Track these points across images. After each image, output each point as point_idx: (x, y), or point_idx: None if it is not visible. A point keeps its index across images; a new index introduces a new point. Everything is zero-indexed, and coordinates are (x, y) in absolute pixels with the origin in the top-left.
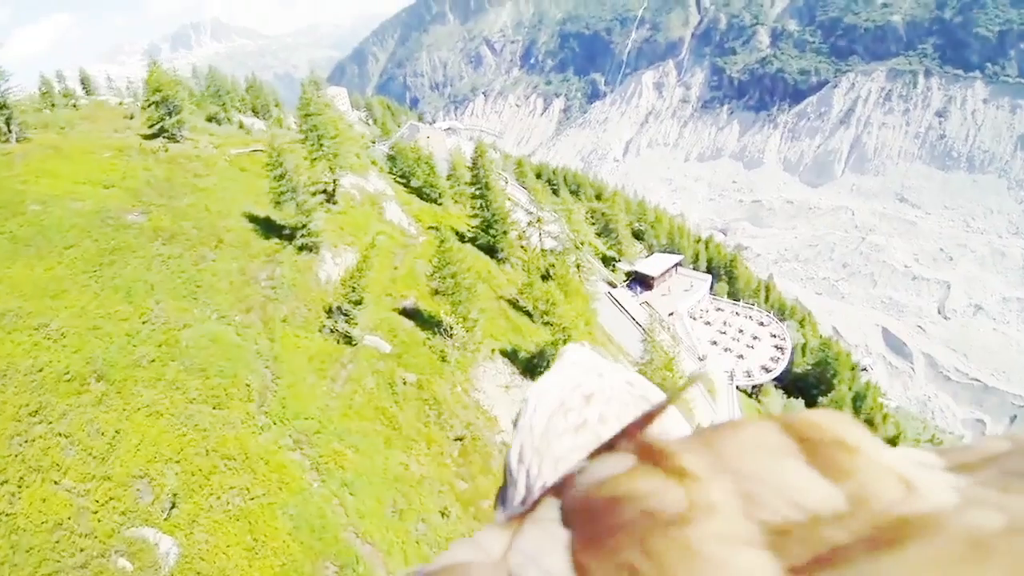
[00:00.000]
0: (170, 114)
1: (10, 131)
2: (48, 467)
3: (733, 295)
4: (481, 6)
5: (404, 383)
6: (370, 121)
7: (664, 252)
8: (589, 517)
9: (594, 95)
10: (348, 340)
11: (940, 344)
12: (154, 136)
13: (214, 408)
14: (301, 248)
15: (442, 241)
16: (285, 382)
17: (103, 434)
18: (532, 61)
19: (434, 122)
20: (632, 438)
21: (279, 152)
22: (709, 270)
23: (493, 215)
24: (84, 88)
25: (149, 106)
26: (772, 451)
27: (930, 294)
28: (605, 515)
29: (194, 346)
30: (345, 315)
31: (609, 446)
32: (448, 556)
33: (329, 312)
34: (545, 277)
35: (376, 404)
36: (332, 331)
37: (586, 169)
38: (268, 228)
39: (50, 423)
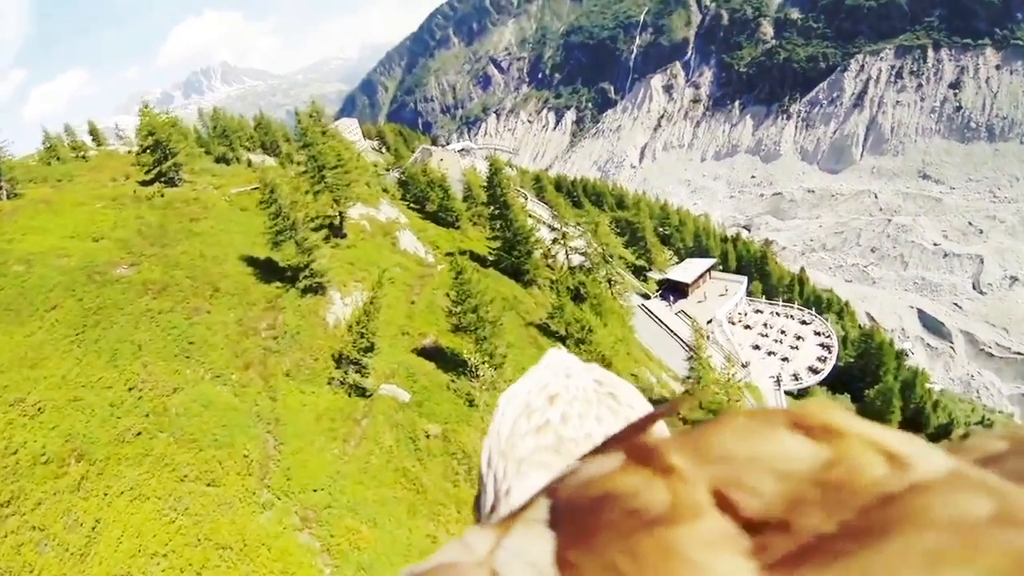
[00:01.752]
0: (166, 157)
1: (0, 187)
2: (20, 570)
3: (767, 293)
4: (484, 26)
5: (427, 436)
6: (383, 149)
7: (692, 255)
8: (575, 516)
9: (605, 104)
10: (361, 392)
11: (979, 320)
12: (152, 182)
13: (208, 486)
14: (305, 291)
15: (459, 272)
16: (289, 448)
17: (82, 525)
18: (540, 76)
19: (447, 144)
20: (623, 439)
21: (272, 187)
22: (739, 269)
23: (515, 235)
24: (94, 139)
25: (144, 151)
26: (758, 433)
27: (963, 270)
28: (591, 514)
29: (185, 413)
30: (355, 364)
31: (601, 448)
32: (437, 557)
33: (338, 361)
34: (576, 297)
35: (396, 464)
36: (342, 383)
37: (604, 178)
38: (268, 271)
39: (23, 515)
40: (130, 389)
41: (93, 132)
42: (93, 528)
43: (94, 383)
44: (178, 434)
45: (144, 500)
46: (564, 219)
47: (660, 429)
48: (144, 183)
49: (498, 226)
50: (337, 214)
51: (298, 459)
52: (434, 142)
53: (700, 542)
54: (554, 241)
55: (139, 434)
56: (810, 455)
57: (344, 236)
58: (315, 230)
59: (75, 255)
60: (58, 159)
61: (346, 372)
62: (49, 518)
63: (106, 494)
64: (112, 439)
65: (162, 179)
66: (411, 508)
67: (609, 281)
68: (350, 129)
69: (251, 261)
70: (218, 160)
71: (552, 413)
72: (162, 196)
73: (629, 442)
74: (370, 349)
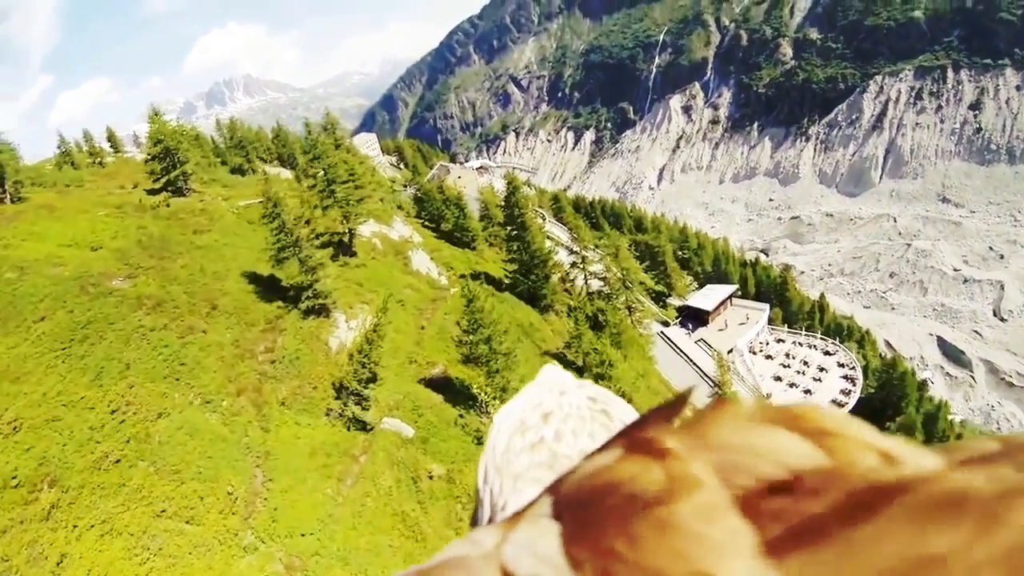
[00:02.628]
0: (174, 166)
1: (4, 190)
2: None
3: (787, 319)
4: (504, 44)
5: (430, 477)
6: (401, 165)
7: (711, 280)
8: (578, 508)
9: (624, 124)
10: (361, 426)
11: (1000, 349)
12: (160, 191)
13: (186, 523)
14: (307, 312)
15: (471, 300)
16: (278, 485)
17: (47, 559)
18: (559, 95)
19: (466, 162)
20: (622, 436)
21: (275, 201)
22: (759, 295)
23: (532, 258)
24: (112, 146)
25: (152, 159)
26: (754, 424)
27: (983, 296)
28: (592, 504)
29: (169, 441)
30: (356, 396)
31: (602, 447)
32: (444, 552)
33: (338, 391)
34: (595, 325)
35: (394, 508)
36: (341, 415)
37: (622, 199)
38: (271, 289)
39: None
40: (113, 411)
41: (111, 138)
42: (58, 564)
43: (76, 403)
44: (159, 464)
45: (116, 536)
46: (584, 242)
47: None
48: (151, 192)
49: (515, 248)
50: (346, 231)
51: (287, 498)
52: (453, 159)
53: (697, 513)
54: (573, 265)
55: (118, 461)
56: (804, 450)
57: (354, 254)
58: (323, 247)
59: (70, 264)
60: (72, 164)
61: (345, 403)
62: (13, 548)
63: (76, 526)
64: (88, 465)
65: (169, 188)
66: (408, 558)
67: (629, 308)
68: (368, 144)
69: (253, 278)
70: (233, 171)
71: (546, 430)
72: (168, 206)
73: (627, 437)
74: (372, 380)
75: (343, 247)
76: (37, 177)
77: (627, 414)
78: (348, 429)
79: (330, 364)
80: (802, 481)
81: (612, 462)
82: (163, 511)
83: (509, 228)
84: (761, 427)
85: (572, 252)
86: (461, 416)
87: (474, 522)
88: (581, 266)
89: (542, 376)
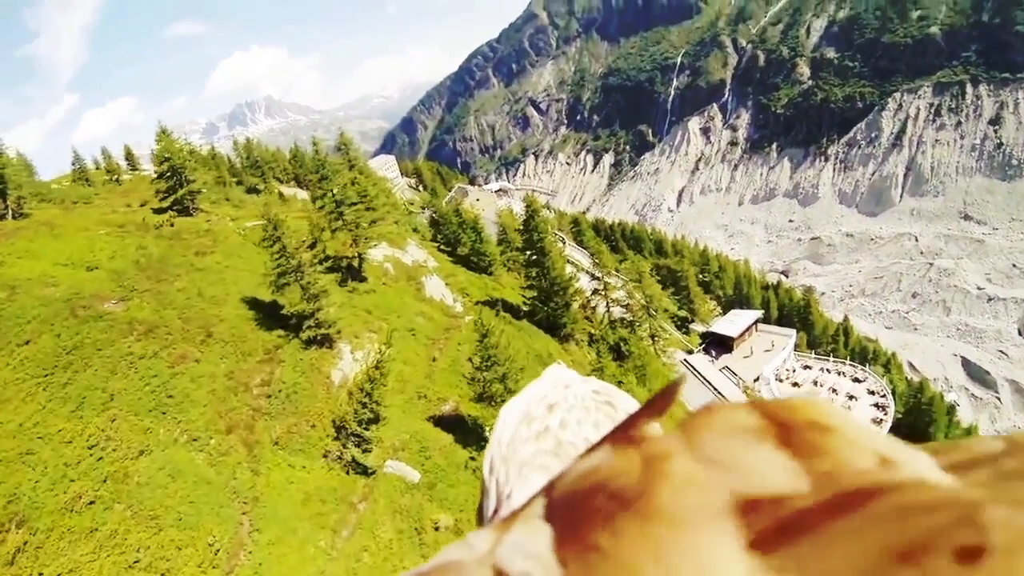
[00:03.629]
0: (181, 185)
1: (5, 205)
2: None
3: (811, 343)
4: (523, 68)
5: (436, 527)
6: (419, 187)
7: (732, 303)
8: (568, 509)
9: (643, 147)
10: (362, 469)
11: None
12: (167, 210)
13: None
14: (309, 342)
15: (484, 334)
16: (265, 536)
17: None
18: (578, 118)
19: (485, 184)
20: (611, 435)
21: (275, 223)
22: (781, 318)
23: (552, 284)
24: (129, 164)
25: (159, 178)
26: (743, 434)
27: (1008, 315)
28: (581, 505)
29: (148, 483)
30: (356, 437)
31: (593, 447)
32: (439, 557)
33: (338, 430)
34: (617, 355)
35: (394, 563)
36: (339, 458)
37: (641, 222)
38: (271, 317)
39: None
40: (91, 447)
41: (129, 156)
42: None
43: (52, 435)
44: (136, 508)
45: None
46: (606, 268)
47: (654, 429)
48: (158, 211)
49: (534, 274)
50: (356, 255)
51: (274, 552)
52: (472, 182)
53: (677, 502)
54: (594, 292)
55: (92, 503)
56: (788, 471)
57: (363, 279)
58: (332, 271)
59: (63, 285)
60: (87, 181)
61: (344, 445)
62: None
63: (41, 574)
64: (60, 506)
65: (175, 207)
66: None
67: (652, 336)
68: (387, 165)
69: (253, 304)
70: (249, 191)
71: (552, 420)
72: (171, 225)
73: (615, 434)
74: (374, 421)
75: (352, 272)
76: (47, 193)
77: (631, 406)
78: (347, 473)
79: (331, 399)
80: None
81: (599, 460)
82: (136, 561)
83: (528, 253)
84: (747, 435)
85: (594, 277)
86: (472, 459)
87: (480, 513)
88: (603, 292)
89: (547, 373)
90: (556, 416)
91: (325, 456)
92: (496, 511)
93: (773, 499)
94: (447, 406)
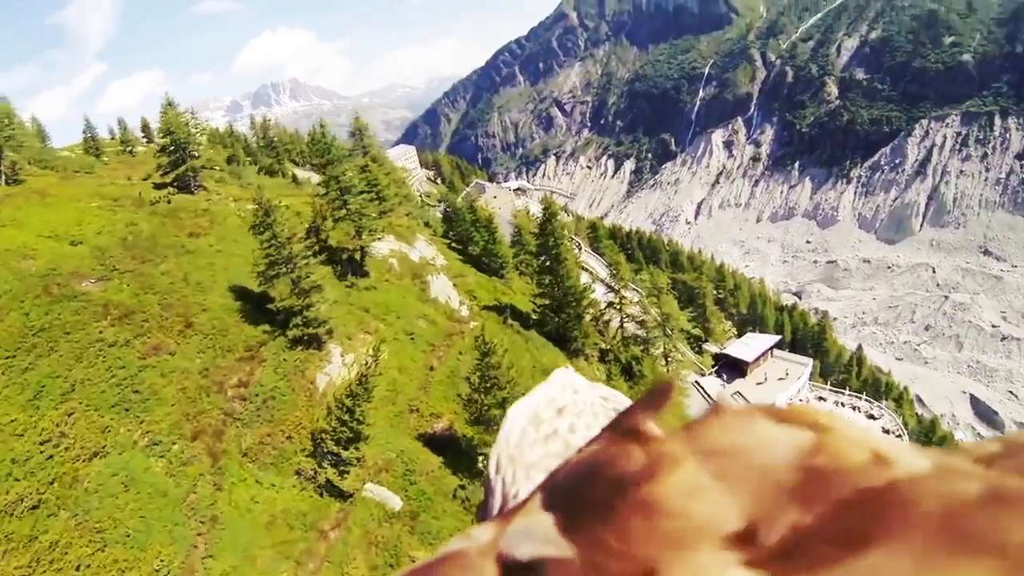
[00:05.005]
0: (183, 160)
1: (0, 170)
2: None
3: (824, 371)
4: (550, 68)
5: (414, 563)
6: (438, 179)
7: (745, 322)
8: (567, 499)
9: (665, 155)
10: (337, 492)
11: None
12: (168, 185)
13: None
14: (295, 342)
15: (485, 353)
16: (220, 564)
17: None
18: (602, 122)
19: (504, 181)
20: (610, 427)
21: (267, 208)
22: (794, 343)
23: (565, 294)
24: (145, 136)
25: (161, 152)
26: (743, 426)
27: (1021, 355)
28: (579, 494)
29: (99, 490)
30: (334, 457)
31: (592, 440)
32: (443, 549)
33: (317, 445)
34: (628, 374)
35: None
36: (313, 477)
37: (658, 231)
38: (259, 310)
39: None
40: (43, 443)
41: (145, 128)
42: None
43: (3, 426)
44: (83, 517)
45: None
46: (624, 280)
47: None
48: (159, 186)
49: (547, 282)
50: (358, 248)
51: None
52: (491, 179)
53: (678, 492)
54: (609, 305)
55: (35, 507)
56: (793, 442)
57: (365, 274)
58: (331, 263)
59: (42, 259)
60: (97, 150)
61: (320, 464)
62: None
63: None
64: (0, 508)
65: (175, 184)
66: None
67: (666, 356)
68: (407, 155)
69: (242, 294)
70: (262, 171)
71: (560, 423)
72: (168, 202)
73: (613, 427)
74: (355, 440)
75: (353, 265)
76: (50, 160)
77: None
78: (320, 495)
79: (313, 408)
80: (791, 478)
81: (597, 451)
82: None
83: (542, 258)
84: (750, 425)
85: (610, 289)
86: (462, 487)
87: (483, 512)
88: (618, 306)
89: (555, 377)
90: (565, 420)
91: (298, 474)
92: (501, 510)
93: (775, 514)
94: (440, 424)
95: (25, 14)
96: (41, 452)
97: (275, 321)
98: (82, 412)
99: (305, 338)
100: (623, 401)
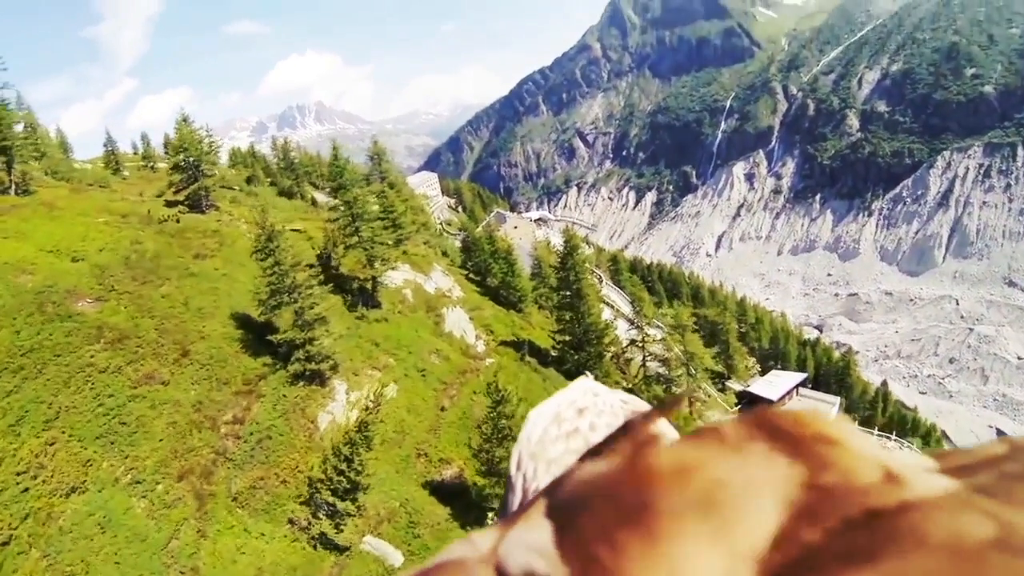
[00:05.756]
0: (195, 179)
1: (10, 179)
2: None
3: (848, 408)
4: (573, 98)
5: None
6: (459, 208)
7: (766, 356)
8: (569, 508)
9: (686, 188)
10: (332, 545)
11: None
12: (180, 204)
13: None
14: (297, 377)
15: (498, 401)
16: None
17: None
18: (624, 153)
19: (526, 211)
20: (615, 437)
21: (270, 234)
22: (817, 378)
23: (586, 331)
24: (167, 151)
25: (173, 169)
26: (752, 448)
27: None
28: (580, 504)
29: (74, 530)
30: (331, 508)
31: (595, 448)
32: (442, 555)
33: (313, 492)
34: None
35: None
36: (307, 528)
37: (678, 264)
38: (261, 340)
39: None
40: (20, 473)
41: (167, 144)
42: None
43: None
44: (54, 558)
45: None
46: (647, 318)
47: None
48: (171, 203)
49: (567, 318)
50: (369, 278)
51: None
52: (513, 208)
53: (677, 511)
54: (631, 343)
55: (6, 543)
56: (802, 458)
57: (376, 305)
58: (342, 292)
59: (40, 274)
60: (117, 164)
61: (315, 514)
62: None
63: None
64: None
65: (186, 202)
66: None
67: (690, 401)
68: (428, 182)
69: (244, 322)
70: (281, 193)
71: (581, 422)
72: (177, 221)
73: (620, 435)
74: (353, 491)
75: (364, 295)
76: (66, 172)
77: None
78: (315, 548)
79: (312, 449)
80: (800, 495)
81: (603, 460)
82: None
83: (563, 293)
84: (759, 437)
85: (631, 324)
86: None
87: (503, 508)
88: (641, 344)
89: (575, 384)
90: (586, 419)
91: (291, 523)
92: (521, 505)
93: (782, 532)
94: (449, 471)
95: (60, 27)
96: (17, 484)
97: (277, 353)
98: (64, 442)
99: (307, 373)
100: (643, 406)
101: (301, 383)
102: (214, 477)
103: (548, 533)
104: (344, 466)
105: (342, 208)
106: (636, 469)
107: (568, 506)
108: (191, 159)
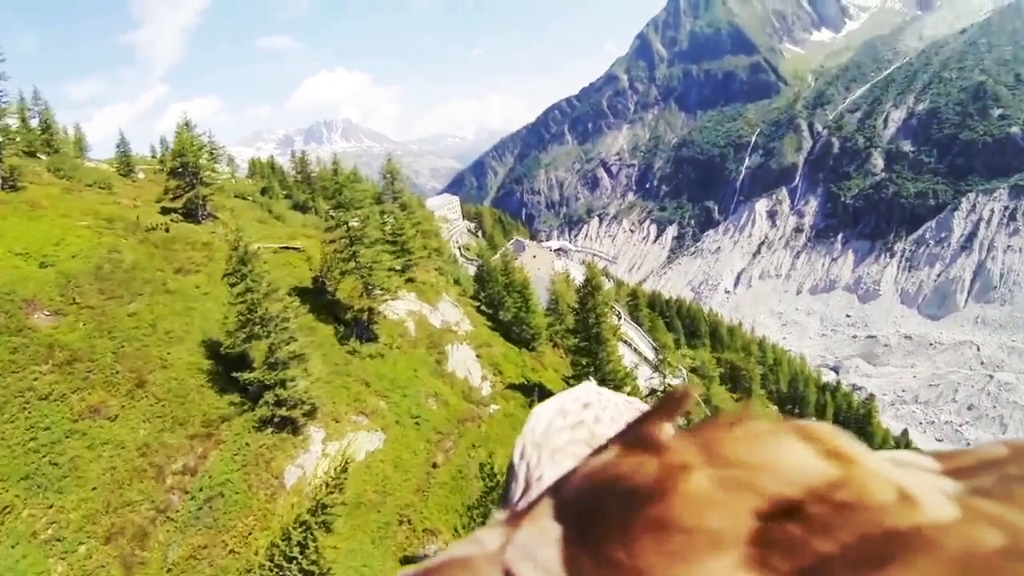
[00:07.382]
0: (192, 186)
1: None
2: None
3: None
4: (599, 128)
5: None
6: (479, 232)
7: (784, 399)
8: (578, 509)
9: (707, 223)
10: None
11: None
12: (175, 211)
13: None
14: (264, 423)
15: (491, 489)
16: None
17: None
18: (647, 186)
19: (547, 239)
20: (623, 434)
21: (243, 256)
22: (835, 424)
23: (603, 380)
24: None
25: (171, 175)
26: (767, 441)
27: None
28: (590, 505)
29: None
30: None
31: (604, 445)
32: (448, 553)
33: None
34: None
35: None
36: None
37: (696, 299)
38: (230, 374)
39: None
40: None
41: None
42: None
43: None
44: None
45: None
46: (672, 368)
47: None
48: (166, 211)
49: (584, 363)
50: (365, 309)
51: None
52: (533, 236)
53: (690, 510)
54: (652, 392)
55: None
56: (818, 470)
57: (372, 338)
58: (336, 321)
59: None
60: (129, 167)
61: None
62: None
63: None
64: None
65: (181, 210)
66: None
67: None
68: (449, 204)
69: (215, 351)
70: (296, 207)
71: (587, 415)
72: (166, 230)
73: (626, 434)
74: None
75: (360, 327)
76: (68, 170)
77: None
78: None
79: (274, 511)
80: (815, 509)
81: (610, 459)
82: None
83: (580, 337)
84: (772, 441)
85: (654, 368)
86: None
87: (504, 498)
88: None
89: (579, 386)
90: (591, 412)
91: None
92: (524, 493)
93: (795, 538)
94: (434, 545)
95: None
96: None
97: (247, 391)
98: None
99: (277, 420)
100: (646, 407)
101: (270, 429)
102: (149, 541)
103: (555, 541)
104: (297, 553)
105: (338, 229)
106: (646, 462)
107: (575, 504)
108: (190, 165)
